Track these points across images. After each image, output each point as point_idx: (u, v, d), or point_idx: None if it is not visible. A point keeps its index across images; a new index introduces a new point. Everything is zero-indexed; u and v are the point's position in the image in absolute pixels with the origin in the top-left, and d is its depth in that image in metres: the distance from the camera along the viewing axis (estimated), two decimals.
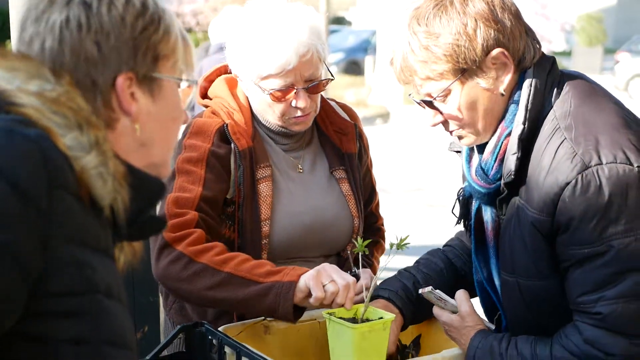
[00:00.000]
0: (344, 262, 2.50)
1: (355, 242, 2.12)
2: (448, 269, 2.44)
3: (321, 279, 2.10)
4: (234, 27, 2.39)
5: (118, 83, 1.37)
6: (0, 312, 1.14)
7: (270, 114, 2.40)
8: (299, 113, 2.37)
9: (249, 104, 2.46)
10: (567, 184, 1.88)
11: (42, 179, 1.18)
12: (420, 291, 2.22)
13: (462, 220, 2.28)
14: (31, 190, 1.16)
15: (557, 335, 1.97)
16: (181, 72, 1.47)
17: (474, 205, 2.19)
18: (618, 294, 1.87)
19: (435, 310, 2.23)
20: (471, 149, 2.19)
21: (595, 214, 1.85)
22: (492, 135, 2.07)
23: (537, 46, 2.06)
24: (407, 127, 16.97)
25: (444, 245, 2.56)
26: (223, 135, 2.35)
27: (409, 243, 2.05)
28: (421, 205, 10.57)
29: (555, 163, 1.91)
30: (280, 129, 2.44)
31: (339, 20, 37.40)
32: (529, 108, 1.98)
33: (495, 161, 2.05)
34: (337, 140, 2.55)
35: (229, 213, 2.36)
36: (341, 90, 21.97)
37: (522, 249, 2.00)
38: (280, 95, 2.34)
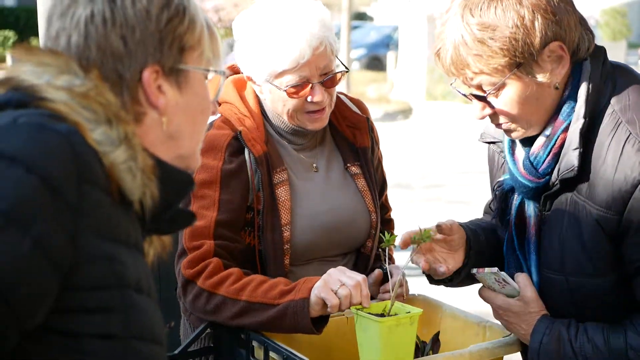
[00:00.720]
0: (366, 259, 2.50)
1: (383, 237, 2.11)
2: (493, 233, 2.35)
3: (330, 287, 2.08)
4: (242, 27, 2.37)
5: (145, 77, 1.36)
6: (31, 306, 1.15)
7: (285, 113, 2.37)
8: (315, 108, 2.35)
9: (260, 106, 2.43)
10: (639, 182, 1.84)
11: (72, 174, 1.19)
12: (475, 271, 2.13)
13: (499, 216, 2.22)
14: (61, 185, 1.17)
15: (629, 325, 1.94)
16: (208, 62, 1.46)
17: (517, 199, 2.13)
18: None
19: (486, 293, 2.16)
20: (513, 142, 2.14)
21: None
22: (543, 128, 2.02)
23: (591, 36, 2.00)
24: (429, 122, 16.94)
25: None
26: (235, 147, 2.32)
27: (430, 236, 2.06)
28: (442, 201, 10.55)
29: (623, 159, 1.87)
30: (295, 128, 2.42)
31: (361, 16, 37.32)
32: (589, 101, 1.93)
33: (548, 155, 2.00)
34: (350, 135, 2.53)
35: (247, 219, 2.34)
36: (363, 86, 21.94)
37: (577, 246, 1.95)
38: (296, 91, 2.31)
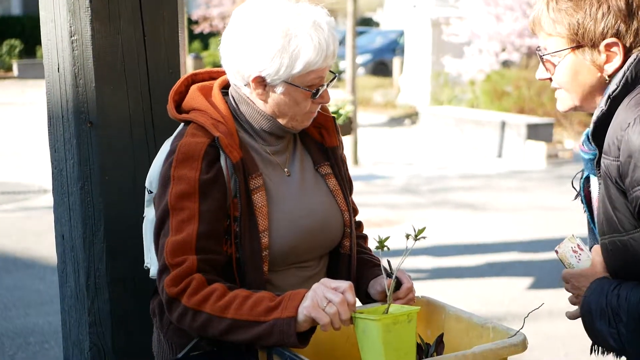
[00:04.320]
0: (347, 258, 2.46)
1: (376, 241, 2.09)
2: None
3: (319, 304, 2.05)
4: (257, 23, 2.25)
5: None
6: None
7: (290, 115, 2.32)
8: (317, 110, 2.34)
9: (230, 111, 2.36)
10: (628, 124, 1.96)
11: None
12: (557, 248, 2.26)
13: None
14: None
15: None
16: None
17: (584, 175, 2.27)
18: None
19: (566, 272, 2.25)
20: None
21: None
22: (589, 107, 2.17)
23: None
24: (436, 127, 16.94)
25: None
26: (211, 155, 2.25)
27: (425, 236, 2.04)
28: (449, 205, 10.55)
29: (623, 112, 2.01)
30: (278, 128, 2.36)
31: (367, 22, 37.35)
32: (630, 69, 2.07)
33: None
34: (317, 136, 2.49)
35: (224, 227, 2.29)
36: (369, 91, 21.95)
37: (606, 202, 2.06)
38: (316, 93, 2.28)
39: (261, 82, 2.28)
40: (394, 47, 26.98)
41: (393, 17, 32.69)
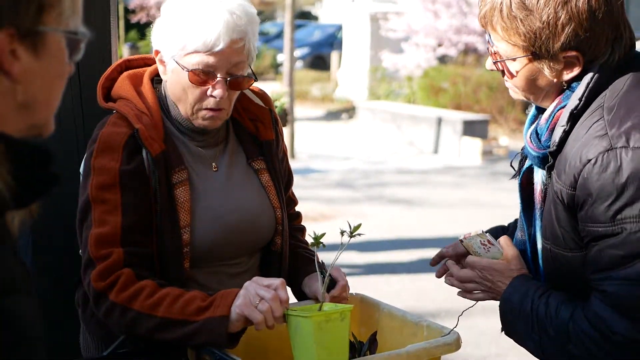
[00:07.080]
0: (278, 256, 2.41)
1: (311, 237, 2.05)
2: None
3: (251, 302, 2.01)
4: (169, 5, 2.24)
5: None
6: None
7: (183, 101, 2.25)
8: (211, 104, 2.22)
9: (159, 102, 2.30)
10: (589, 160, 1.90)
11: None
12: (462, 237, 2.23)
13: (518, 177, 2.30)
14: None
15: (580, 306, 1.98)
16: (67, 22, 1.25)
17: (527, 163, 2.21)
18: (625, 276, 1.88)
19: (471, 258, 2.23)
20: (539, 112, 2.21)
21: (610, 194, 1.87)
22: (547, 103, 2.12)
23: (618, 52, 2.02)
24: (373, 122, 17.02)
25: None
26: (132, 146, 2.18)
27: (362, 234, 2.01)
28: (384, 200, 10.58)
29: (585, 139, 1.93)
30: (192, 125, 2.29)
31: (305, 15, 37.33)
32: (590, 86, 1.99)
33: (547, 129, 2.09)
34: (253, 129, 2.42)
35: (150, 220, 2.22)
36: (307, 85, 21.95)
37: (553, 218, 2.02)
38: (199, 78, 2.19)
39: (161, 59, 2.26)
40: (332, 41, 27.01)
41: (332, 11, 32.71)
